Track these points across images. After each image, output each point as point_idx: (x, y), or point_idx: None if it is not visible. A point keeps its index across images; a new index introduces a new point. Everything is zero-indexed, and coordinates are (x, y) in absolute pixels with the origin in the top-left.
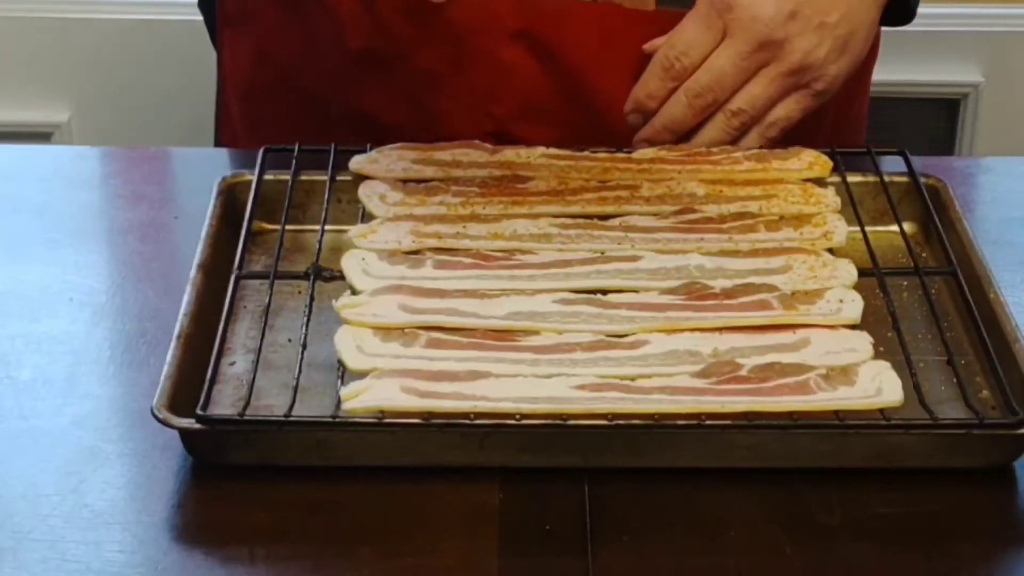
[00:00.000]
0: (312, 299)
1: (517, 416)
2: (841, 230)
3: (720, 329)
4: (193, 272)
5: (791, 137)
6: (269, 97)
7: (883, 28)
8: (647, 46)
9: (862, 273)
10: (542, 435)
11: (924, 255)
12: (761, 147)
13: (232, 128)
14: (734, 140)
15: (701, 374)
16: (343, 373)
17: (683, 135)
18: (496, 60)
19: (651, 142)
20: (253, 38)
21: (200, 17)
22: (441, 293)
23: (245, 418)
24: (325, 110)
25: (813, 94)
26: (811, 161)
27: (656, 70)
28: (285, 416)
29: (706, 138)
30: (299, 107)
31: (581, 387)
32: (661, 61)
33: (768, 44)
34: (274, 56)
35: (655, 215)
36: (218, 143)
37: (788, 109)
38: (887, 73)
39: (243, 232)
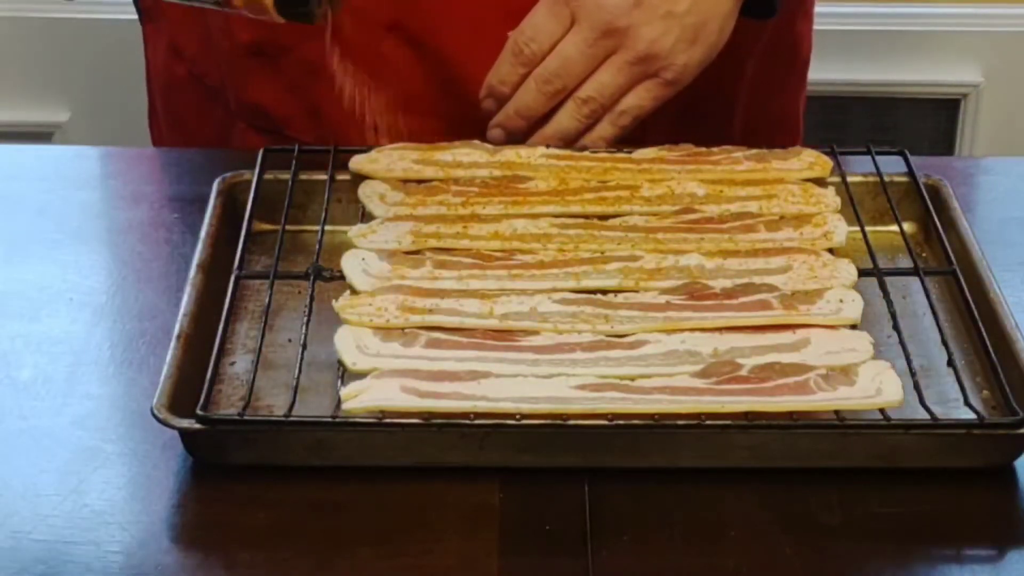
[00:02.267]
0: (312, 299)
1: (517, 416)
2: (841, 230)
3: (720, 329)
4: (193, 272)
5: (696, 138)
6: (181, 90)
7: (881, 28)
8: (510, 33)
9: (862, 273)
10: (542, 435)
11: (924, 255)
12: (614, 136)
13: (158, 122)
14: (586, 128)
15: (701, 374)
16: (343, 373)
17: (536, 122)
18: (374, 52)
19: (504, 128)
20: (166, 31)
21: None
22: (441, 293)
23: (245, 418)
24: (225, 102)
25: (663, 83)
26: (811, 161)
27: (507, 56)
28: (285, 416)
29: (557, 126)
30: (205, 100)
31: (581, 387)
32: (511, 47)
33: (612, 32)
34: (182, 49)
35: (655, 215)
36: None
37: (639, 98)
38: (887, 73)
39: (243, 232)
